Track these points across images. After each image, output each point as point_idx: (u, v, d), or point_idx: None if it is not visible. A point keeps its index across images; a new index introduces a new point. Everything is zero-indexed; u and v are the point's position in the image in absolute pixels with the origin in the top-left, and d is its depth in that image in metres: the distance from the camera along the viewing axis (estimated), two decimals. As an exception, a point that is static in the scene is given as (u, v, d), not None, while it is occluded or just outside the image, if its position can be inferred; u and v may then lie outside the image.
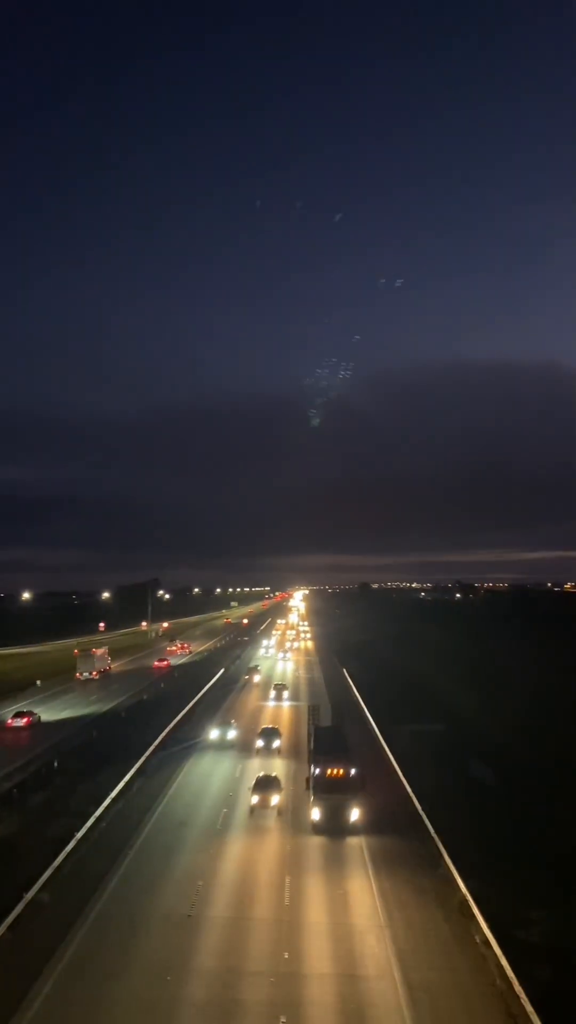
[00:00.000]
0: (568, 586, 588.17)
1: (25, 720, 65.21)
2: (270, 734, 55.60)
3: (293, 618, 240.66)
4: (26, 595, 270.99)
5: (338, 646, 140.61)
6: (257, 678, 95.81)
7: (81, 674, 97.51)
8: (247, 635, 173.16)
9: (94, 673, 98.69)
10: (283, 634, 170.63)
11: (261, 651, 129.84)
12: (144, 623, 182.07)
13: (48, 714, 70.73)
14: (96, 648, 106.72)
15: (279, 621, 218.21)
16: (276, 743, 54.57)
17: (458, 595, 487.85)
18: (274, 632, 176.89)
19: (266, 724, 61.00)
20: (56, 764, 50.22)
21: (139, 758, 49.20)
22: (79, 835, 34.54)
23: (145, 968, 24.12)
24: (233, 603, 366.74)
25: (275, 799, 39.79)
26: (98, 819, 37.37)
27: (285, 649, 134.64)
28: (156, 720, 63.06)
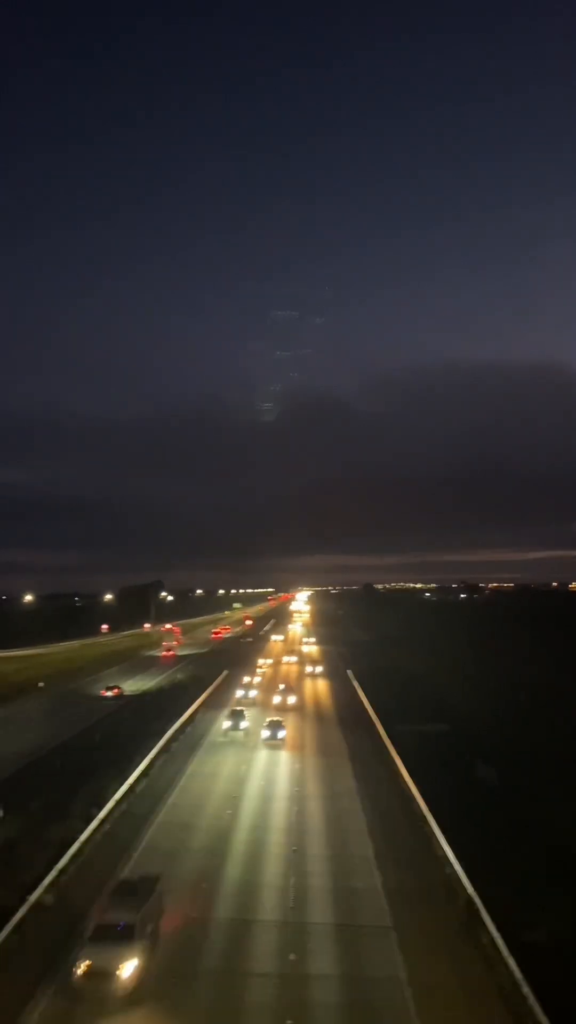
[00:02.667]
0: (573, 585, 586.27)
1: (171, 652, 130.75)
2: None
3: (296, 627, 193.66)
4: (28, 597, 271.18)
5: (369, 684, 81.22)
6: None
7: (167, 645, 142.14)
8: (250, 636, 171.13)
9: (175, 643, 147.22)
10: (274, 666, 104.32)
11: (225, 723, 58.34)
12: (147, 625, 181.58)
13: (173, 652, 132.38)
14: (175, 627, 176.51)
15: (274, 637, 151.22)
16: None
17: (463, 595, 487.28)
18: (261, 662, 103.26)
19: None
20: (200, 659, 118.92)
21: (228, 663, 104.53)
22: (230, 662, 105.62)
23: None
24: (236, 604, 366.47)
25: None
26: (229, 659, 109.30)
27: (276, 708, 67.59)
28: (234, 651, 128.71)
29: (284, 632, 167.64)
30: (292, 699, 71.53)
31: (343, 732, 59.49)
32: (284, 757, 50.80)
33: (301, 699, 75.82)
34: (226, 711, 62.14)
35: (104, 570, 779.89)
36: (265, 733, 54.55)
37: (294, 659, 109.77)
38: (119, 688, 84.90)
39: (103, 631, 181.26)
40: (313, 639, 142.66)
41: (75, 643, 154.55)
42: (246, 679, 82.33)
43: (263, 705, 70.56)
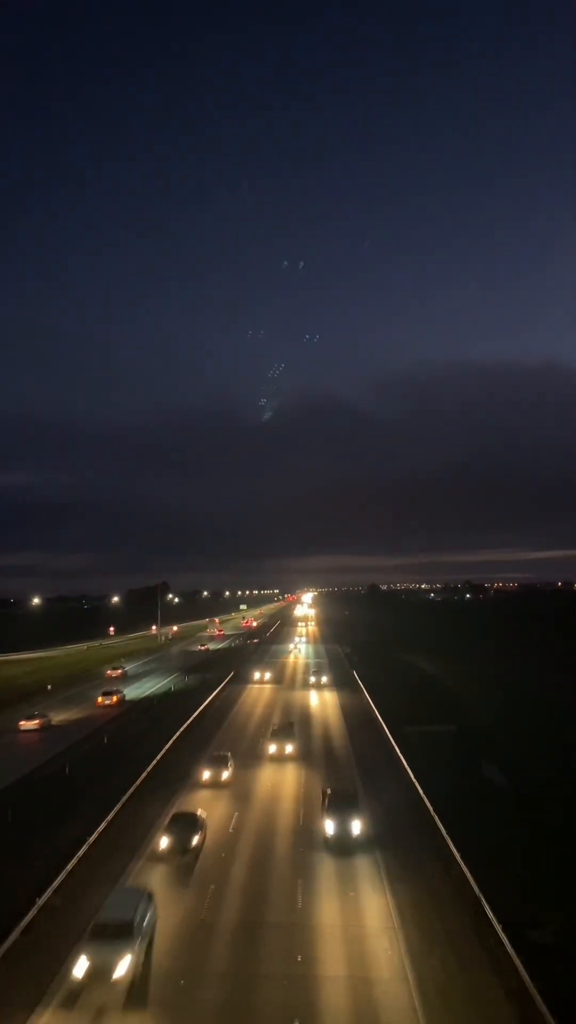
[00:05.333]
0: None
1: (220, 631, 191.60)
2: None
3: (298, 643, 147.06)
4: (36, 600, 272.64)
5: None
6: None
7: (210, 631, 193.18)
8: (256, 637, 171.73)
9: (218, 630, 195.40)
10: (235, 787, 44.98)
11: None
12: (154, 627, 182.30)
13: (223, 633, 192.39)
14: (217, 619, 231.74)
15: (257, 676, 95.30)
16: None
17: (468, 595, 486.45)
18: (207, 776, 45.62)
19: None
20: (239, 636, 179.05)
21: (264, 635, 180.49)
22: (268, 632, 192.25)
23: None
24: (242, 606, 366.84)
25: None
26: (265, 638, 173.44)
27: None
28: (262, 633, 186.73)
29: (280, 661, 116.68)
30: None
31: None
32: None
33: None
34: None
35: (111, 573, 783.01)
36: None
37: (289, 748, 51.61)
38: (208, 647, 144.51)
39: (110, 634, 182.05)
40: (325, 677, 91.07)
41: (82, 645, 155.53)
42: (135, 864, 33.06)
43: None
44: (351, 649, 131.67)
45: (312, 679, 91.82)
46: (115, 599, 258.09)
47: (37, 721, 66.33)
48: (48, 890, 28.66)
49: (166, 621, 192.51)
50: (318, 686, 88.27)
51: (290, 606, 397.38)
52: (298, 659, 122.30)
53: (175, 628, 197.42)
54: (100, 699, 79.80)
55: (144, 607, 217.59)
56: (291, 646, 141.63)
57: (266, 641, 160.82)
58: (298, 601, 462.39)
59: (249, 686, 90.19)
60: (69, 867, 31.01)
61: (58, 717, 71.04)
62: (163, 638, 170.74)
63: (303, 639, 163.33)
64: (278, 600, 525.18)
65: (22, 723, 66.12)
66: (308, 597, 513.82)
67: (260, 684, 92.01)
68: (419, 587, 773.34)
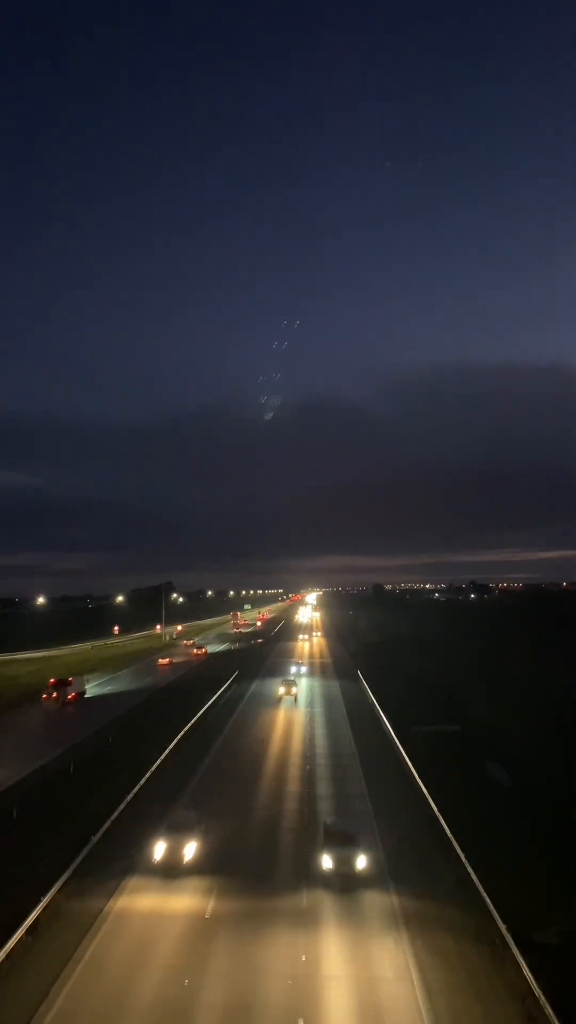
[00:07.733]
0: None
1: (244, 621, 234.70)
2: None
3: (299, 677, 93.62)
4: (41, 599, 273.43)
5: None
6: None
7: (233, 622, 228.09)
8: (260, 637, 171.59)
9: (242, 620, 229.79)
10: None
11: None
12: (158, 626, 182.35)
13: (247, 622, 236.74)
14: (239, 613, 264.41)
15: (161, 853, 31.84)
16: None
17: (472, 595, 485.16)
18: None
19: None
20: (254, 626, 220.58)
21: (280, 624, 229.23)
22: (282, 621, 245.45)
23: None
24: (247, 606, 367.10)
25: None
26: (279, 627, 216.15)
27: None
28: (276, 622, 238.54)
29: (255, 738, 59.87)
30: None
31: None
32: None
33: None
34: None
35: (116, 572, 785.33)
36: None
37: None
38: (240, 630, 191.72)
39: (115, 633, 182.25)
40: (363, 858, 30.84)
41: (87, 644, 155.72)
42: None
43: None
44: (385, 689, 79.87)
45: (329, 860, 31.39)
46: (120, 599, 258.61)
47: (168, 659, 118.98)
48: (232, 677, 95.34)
49: (171, 621, 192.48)
50: (348, 889, 30.20)
51: (293, 606, 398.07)
52: (293, 723, 66.77)
53: (180, 627, 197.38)
54: (195, 651, 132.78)
55: (149, 607, 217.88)
56: (282, 690, 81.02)
57: (249, 675, 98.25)
58: (302, 601, 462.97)
59: (145, 901, 29.06)
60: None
61: (175, 660, 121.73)
62: (167, 637, 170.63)
63: (305, 667, 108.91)
64: (282, 599, 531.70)
65: (160, 661, 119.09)
66: (312, 597, 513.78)
67: (175, 888, 30.35)
68: (423, 587, 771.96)
